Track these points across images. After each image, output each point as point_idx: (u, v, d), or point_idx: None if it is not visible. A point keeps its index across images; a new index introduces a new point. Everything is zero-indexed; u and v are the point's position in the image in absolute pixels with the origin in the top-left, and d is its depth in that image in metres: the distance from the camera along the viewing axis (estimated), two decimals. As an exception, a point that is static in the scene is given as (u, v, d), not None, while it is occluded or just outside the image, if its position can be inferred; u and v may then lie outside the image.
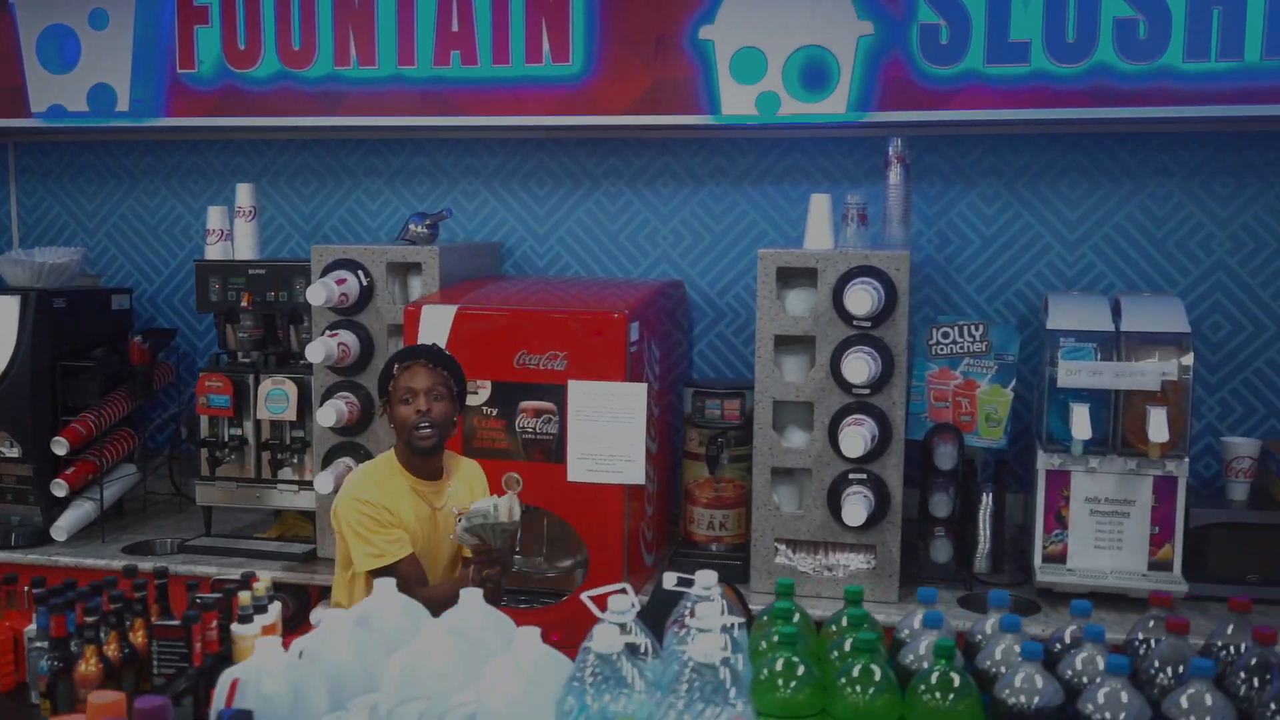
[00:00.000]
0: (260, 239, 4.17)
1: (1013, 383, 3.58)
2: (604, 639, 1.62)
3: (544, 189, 4.34)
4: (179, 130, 4.24)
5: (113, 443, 4.21)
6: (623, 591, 1.79)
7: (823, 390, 3.46)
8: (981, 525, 3.62)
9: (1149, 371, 3.38)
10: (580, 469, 3.37)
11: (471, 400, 3.43)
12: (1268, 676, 1.65)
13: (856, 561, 3.52)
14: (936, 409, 3.61)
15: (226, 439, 4.03)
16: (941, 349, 3.61)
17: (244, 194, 4.11)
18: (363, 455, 3.79)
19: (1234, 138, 3.82)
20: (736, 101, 3.65)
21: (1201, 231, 3.89)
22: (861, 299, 3.31)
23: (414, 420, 3.01)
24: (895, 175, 3.68)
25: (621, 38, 3.72)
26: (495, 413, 3.43)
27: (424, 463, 3.08)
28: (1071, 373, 3.41)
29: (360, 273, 3.77)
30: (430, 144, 4.38)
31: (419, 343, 3.39)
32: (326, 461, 3.82)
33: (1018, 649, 1.77)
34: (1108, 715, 1.57)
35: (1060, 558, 3.50)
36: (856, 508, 3.35)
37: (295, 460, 4.00)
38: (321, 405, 3.71)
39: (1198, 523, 3.52)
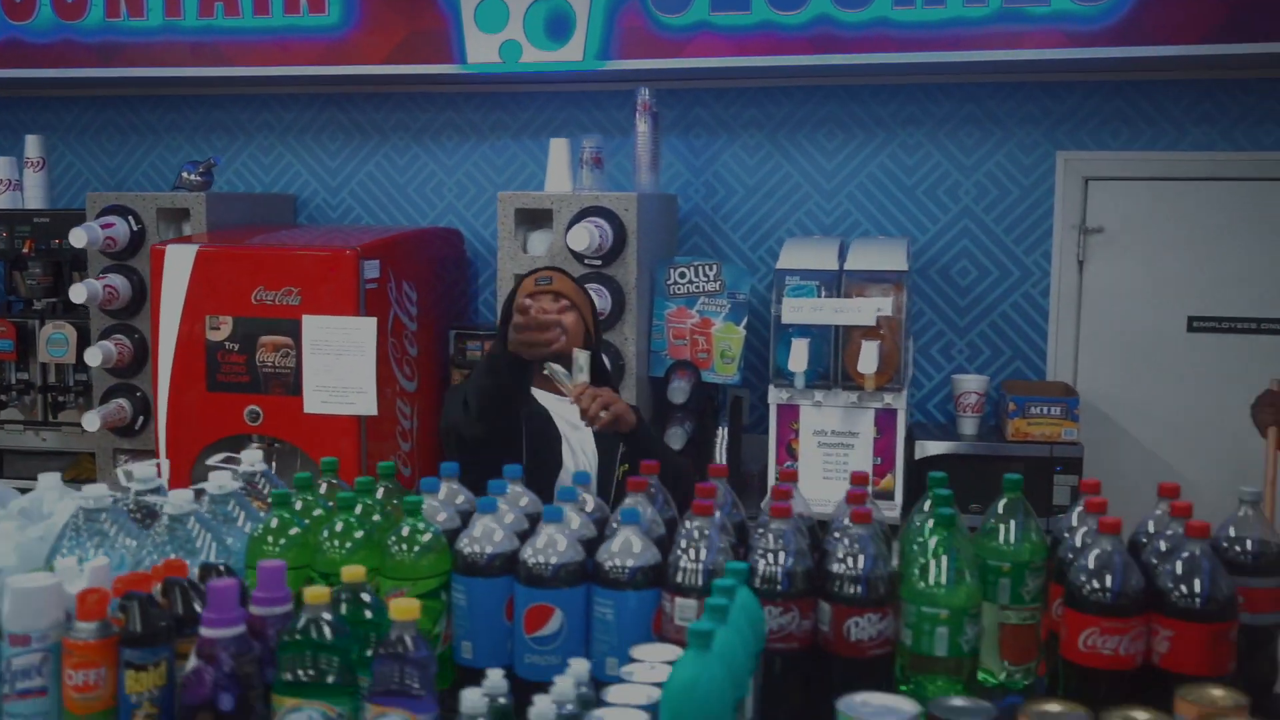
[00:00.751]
0: (53, 189, 4.30)
1: (744, 320, 3.72)
2: (91, 495, 1.76)
3: (336, 143, 4.47)
4: (-34, 83, 4.36)
5: (-88, 389, 4.32)
6: (155, 464, 1.93)
7: (559, 327, 3.60)
8: (718, 458, 3.76)
9: (864, 307, 3.52)
10: (315, 400, 3.50)
11: (214, 336, 3.56)
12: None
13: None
14: (675, 346, 3.76)
15: (13, 383, 4.15)
16: (679, 288, 3.75)
17: (32, 145, 4.24)
18: (139, 397, 3.93)
19: (977, 89, 3.98)
20: (481, 50, 3.79)
21: (949, 180, 4.04)
22: (581, 236, 3.44)
23: None
24: (643, 124, 3.83)
25: (376, -11, 3.85)
26: (237, 348, 3.56)
27: None
28: (794, 309, 3.55)
29: (131, 218, 3.90)
30: (226, 100, 4.51)
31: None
32: (104, 402, 3.95)
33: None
34: (541, 558, 1.72)
35: (792, 489, 3.64)
36: (582, 437, 3.49)
37: (78, 402, 4.12)
38: (91, 346, 3.84)
39: (922, 454, 3.68)
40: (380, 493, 2.02)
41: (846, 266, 3.61)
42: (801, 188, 4.14)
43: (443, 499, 1.97)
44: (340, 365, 3.48)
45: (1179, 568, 1.61)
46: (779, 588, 1.68)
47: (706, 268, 3.73)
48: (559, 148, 3.69)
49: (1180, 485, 1.86)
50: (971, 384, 3.78)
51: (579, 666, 1.49)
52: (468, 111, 4.34)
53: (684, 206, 4.21)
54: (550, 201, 3.61)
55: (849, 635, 1.65)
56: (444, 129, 4.37)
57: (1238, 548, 1.76)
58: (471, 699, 1.39)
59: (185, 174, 4.01)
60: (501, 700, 1.44)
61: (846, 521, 1.74)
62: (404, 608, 1.40)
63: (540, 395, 2.75)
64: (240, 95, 4.48)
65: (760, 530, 1.77)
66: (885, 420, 3.60)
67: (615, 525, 1.77)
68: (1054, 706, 1.33)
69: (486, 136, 4.34)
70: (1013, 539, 1.82)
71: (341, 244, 3.55)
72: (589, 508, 2.00)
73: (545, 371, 2.55)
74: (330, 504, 1.97)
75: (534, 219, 3.73)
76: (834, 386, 3.59)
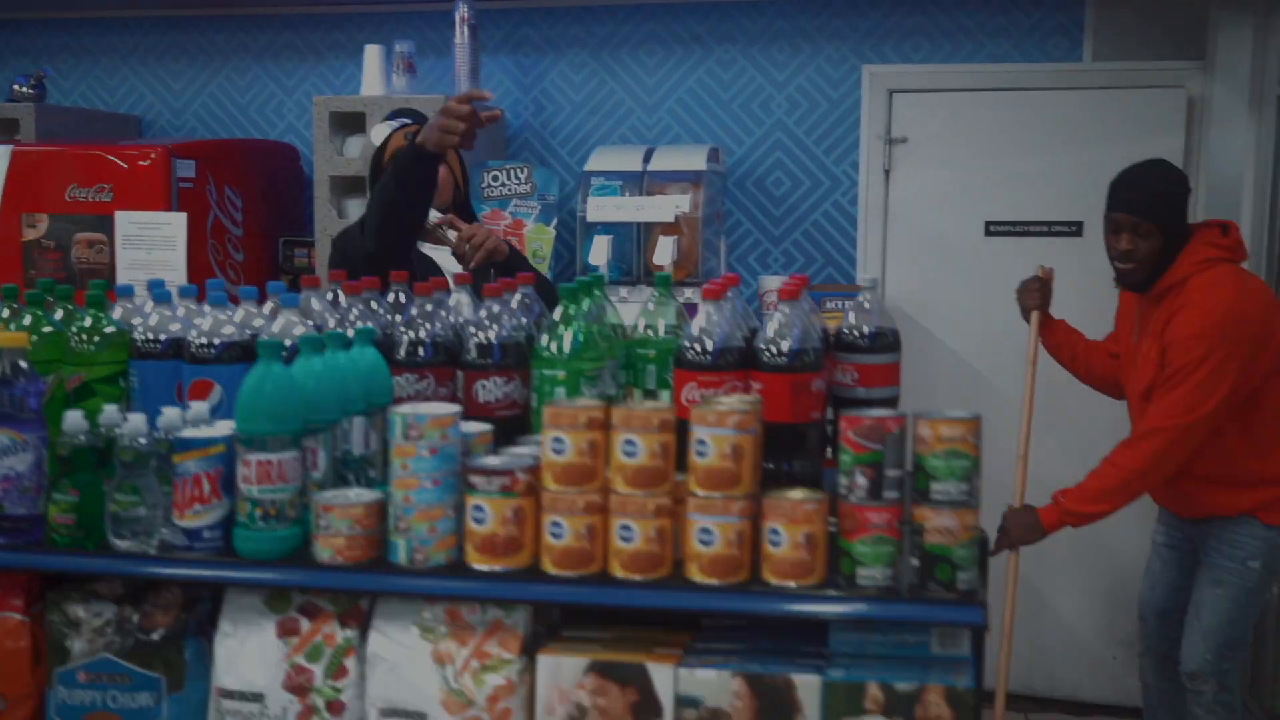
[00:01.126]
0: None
1: (554, 221, 3.86)
2: None
3: (179, 64, 4.58)
4: None
5: None
6: None
7: (372, 226, 3.72)
8: (531, 355, 3.90)
9: (663, 205, 3.68)
10: (129, 294, 3.60)
11: (30, 234, 3.66)
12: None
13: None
14: (490, 248, 3.89)
15: None
16: (493, 191, 3.89)
17: None
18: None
19: (787, 5, 4.14)
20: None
21: (762, 94, 4.20)
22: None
23: None
24: (461, 36, 3.96)
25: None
26: (53, 245, 3.66)
27: None
28: (598, 208, 3.71)
29: (-40, 128, 3.99)
30: (72, 23, 4.61)
31: None
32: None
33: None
34: (205, 339, 1.85)
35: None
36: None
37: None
38: (-78, 253, 3.92)
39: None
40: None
41: (650, 168, 3.76)
42: (625, 103, 4.29)
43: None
44: (152, 260, 3.59)
45: (769, 328, 1.77)
46: (419, 357, 1.82)
47: (517, 170, 3.87)
48: (372, 53, 3.82)
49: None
50: (772, 284, 3.94)
51: (199, 407, 1.62)
52: (305, 32, 4.46)
53: (514, 123, 4.35)
54: (363, 105, 3.74)
55: (478, 397, 1.80)
56: (283, 50, 4.48)
57: (857, 332, 1.93)
58: (73, 419, 1.52)
59: (16, 86, 4.10)
60: (117, 430, 1.57)
61: (490, 302, 1.88)
62: (10, 337, 1.52)
63: (425, 248, 2.81)
64: (84, 19, 4.58)
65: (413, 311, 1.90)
66: (687, 314, 3.75)
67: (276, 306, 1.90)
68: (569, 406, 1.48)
69: (324, 57, 4.46)
70: (661, 331, 1.97)
71: (157, 143, 3.66)
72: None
73: (430, 224, 2.69)
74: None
75: (354, 124, 3.86)
76: (638, 283, 3.75)
